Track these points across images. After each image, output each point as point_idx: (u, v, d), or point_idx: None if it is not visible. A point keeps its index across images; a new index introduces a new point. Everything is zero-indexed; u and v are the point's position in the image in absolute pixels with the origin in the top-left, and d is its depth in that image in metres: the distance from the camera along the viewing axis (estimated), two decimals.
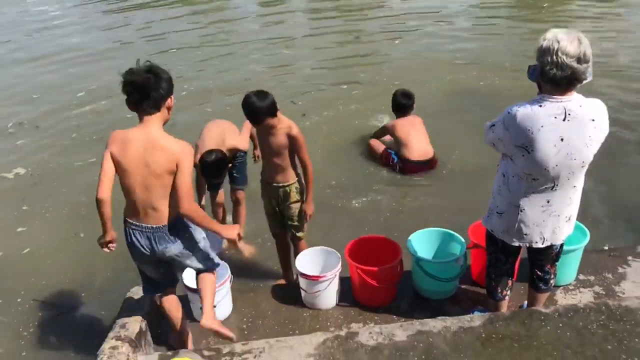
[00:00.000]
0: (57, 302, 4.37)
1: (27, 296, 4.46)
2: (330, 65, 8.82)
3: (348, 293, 3.89)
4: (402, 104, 5.84)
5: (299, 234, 4.04)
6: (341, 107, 7.27)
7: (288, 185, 3.87)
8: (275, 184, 3.88)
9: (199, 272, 3.31)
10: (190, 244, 3.14)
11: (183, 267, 3.27)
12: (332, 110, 7.20)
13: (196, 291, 3.38)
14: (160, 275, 3.28)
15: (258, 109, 3.53)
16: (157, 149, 2.84)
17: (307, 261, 3.87)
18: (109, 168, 2.91)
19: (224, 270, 3.75)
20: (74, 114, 7.60)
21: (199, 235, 3.19)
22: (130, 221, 3.04)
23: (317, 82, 8.11)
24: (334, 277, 3.70)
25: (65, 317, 4.24)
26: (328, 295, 3.76)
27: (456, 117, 6.82)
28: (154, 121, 2.88)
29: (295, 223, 3.98)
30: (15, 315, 4.28)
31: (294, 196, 3.88)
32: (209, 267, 3.30)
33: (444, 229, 3.99)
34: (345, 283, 3.89)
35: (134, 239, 3.05)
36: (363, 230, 4.74)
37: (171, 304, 3.40)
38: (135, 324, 3.38)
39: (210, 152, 4.09)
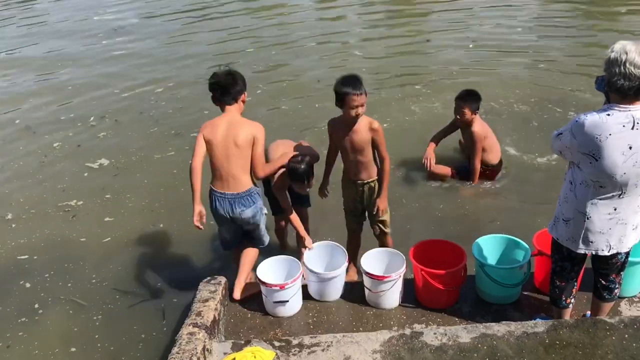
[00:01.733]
0: (133, 290, 4.63)
1: (106, 283, 4.72)
2: (399, 70, 8.86)
3: (411, 294, 3.98)
4: (480, 104, 5.47)
5: (387, 230, 4.23)
6: (409, 110, 7.35)
7: (373, 181, 4.06)
8: (360, 181, 4.06)
9: (251, 244, 4.12)
10: (259, 213, 3.94)
11: (252, 232, 4.03)
12: (399, 113, 7.27)
13: (269, 285, 3.76)
14: (233, 236, 4.10)
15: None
16: (238, 126, 3.72)
17: (372, 261, 3.99)
18: (200, 146, 3.76)
19: (296, 266, 3.95)
20: (153, 110, 7.95)
21: (263, 211, 3.98)
22: (215, 189, 3.84)
23: (384, 87, 8.19)
24: (398, 278, 3.81)
25: (140, 304, 4.48)
26: (391, 295, 3.87)
27: (525, 121, 6.81)
28: (233, 110, 3.78)
29: (383, 218, 4.16)
30: (94, 300, 4.54)
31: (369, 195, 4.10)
32: (262, 242, 4.14)
33: (509, 236, 4.04)
34: (408, 284, 3.98)
35: (217, 204, 3.86)
36: (428, 234, 4.82)
37: (241, 254, 4.13)
38: (209, 312, 3.56)
39: (295, 156, 3.92)
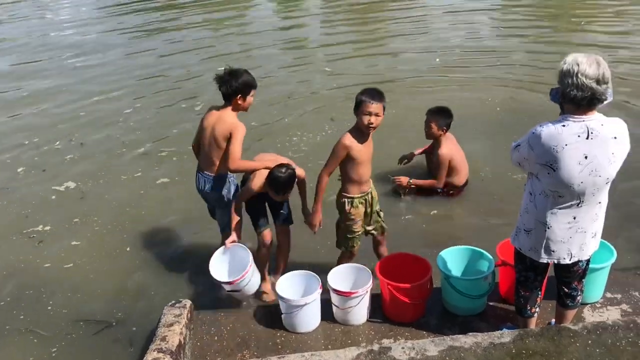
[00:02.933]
0: (97, 317, 4.41)
1: (66, 310, 4.50)
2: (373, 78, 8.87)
3: (378, 309, 3.91)
4: (450, 122, 5.42)
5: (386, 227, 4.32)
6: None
7: (373, 189, 4.14)
8: (369, 190, 4.08)
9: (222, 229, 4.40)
10: (224, 198, 4.23)
11: (219, 213, 4.33)
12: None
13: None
14: (212, 210, 4.49)
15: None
16: (221, 122, 3.98)
17: (339, 277, 3.91)
18: (198, 128, 4.22)
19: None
20: (120, 131, 7.76)
21: (230, 203, 4.20)
22: (199, 166, 4.25)
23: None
24: (365, 294, 3.73)
25: (104, 331, 4.27)
26: (359, 311, 3.79)
27: (484, 134, 6.82)
28: (227, 106, 4.03)
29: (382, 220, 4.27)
30: (55, 329, 4.31)
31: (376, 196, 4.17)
32: (223, 228, 4.37)
33: (473, 247, 4.01)
34: (375, 299, 3.91)
35: (200, 182, 4.25)
36: (393, 247, 4.77)
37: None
38: (174, 336, 3.44)
39: (281, 165, 3.93)
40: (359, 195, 4.00)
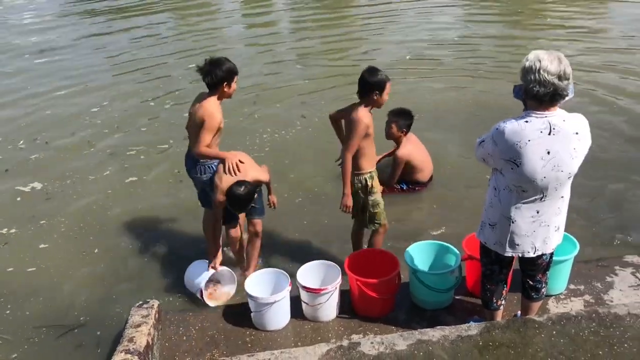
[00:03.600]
0: (61, 321, 4.26)
1: (31, 314, 4.35)
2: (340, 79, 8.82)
3: (347, 305, 3.89)
4: (411, 123, 5.43)
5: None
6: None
7: None
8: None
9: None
10: (203, 178, 4.22)
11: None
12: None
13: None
14: (202, 197, 4.41)
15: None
16: (200, 108, 4.04)
17: (308, 274, 3.87)
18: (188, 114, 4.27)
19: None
20: (87, 129, 7.58)
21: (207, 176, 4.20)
22: (188, 151, 4.31)
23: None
24: (334, 290, 3.71)
25: (69, 335, 4.13)
26: (329, 308, 3.76)
27: (448, 129, 6.84)
28: (211, 94, 4.07)
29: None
30: (19, 334, 4.17)
31: None
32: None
33: (439, 242, 4.03)
34: (344, 295, 3.89)
35: (187, 162, 4.32)
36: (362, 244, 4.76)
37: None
38: (142, 337, 3.37)
39: (240, 183, 3.90)
40: (373, 170, 4.08)
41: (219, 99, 4.08)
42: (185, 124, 4.31)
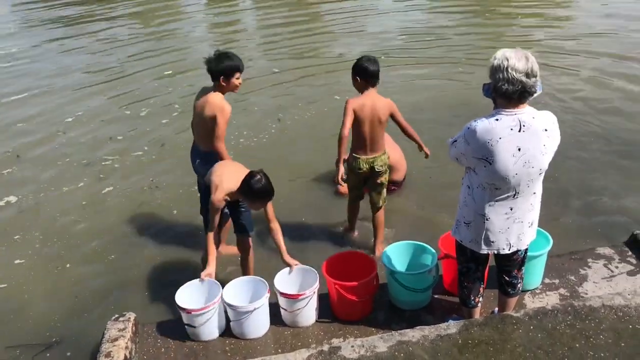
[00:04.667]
0: (35, 340, 4.07)
1: (6, 333, 4.15)
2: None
3: (326, 309, 3.83)
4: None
5: None
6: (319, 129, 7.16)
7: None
8: None
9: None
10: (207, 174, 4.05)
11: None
12: (313, 128, 7.12)
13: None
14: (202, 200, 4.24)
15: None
16: (207, 103, 4.06)
17: (285, 280, 3.80)
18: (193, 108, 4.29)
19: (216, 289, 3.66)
20: (61, 140, 7.37)
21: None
22: (194, 144, 4.39)
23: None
24: (312, 295, 3.64)
25: (44, 353, 3.95)
26: (307, 313, 3.69)
27: (420, 128, 6.78)
28: (214, 87, 4.09)
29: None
30: None
31: None
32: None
33: (416, 242, 3.99)
34: (323, 299, 3.83)
35: (193, 156, 4.37)
36: (338, 247, 4.71)
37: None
38: (120, 351, 3.27)
39: (253, 175, 3.65)
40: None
41: (222, 92, 4.09)
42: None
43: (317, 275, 3.75)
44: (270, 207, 3.83)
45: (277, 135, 7.05)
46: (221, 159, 4.11)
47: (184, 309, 3.50)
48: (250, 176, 3.63)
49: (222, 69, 4.00)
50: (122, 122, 7.78)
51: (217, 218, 3.75)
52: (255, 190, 3.60)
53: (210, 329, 3.61)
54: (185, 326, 3.60)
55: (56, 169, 6.61)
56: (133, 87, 9.03)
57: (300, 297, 3.58)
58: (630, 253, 4.14)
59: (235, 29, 12.29)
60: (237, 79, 4.06)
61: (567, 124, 6.51)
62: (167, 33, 12.11)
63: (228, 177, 3.75)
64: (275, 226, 3.89)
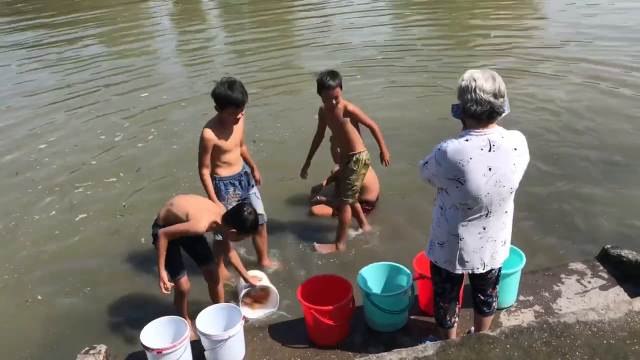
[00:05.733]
0: None
1: None
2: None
3: (302, 333, 3.73)
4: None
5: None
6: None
7: None
8: None
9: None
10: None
11: None
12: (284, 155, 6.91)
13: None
14: None
15: None
16: None
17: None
18: None
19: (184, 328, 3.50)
20: (32, 167, 7.15)
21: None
22: None
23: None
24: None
25: None
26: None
27: (392, 148, 6.76)
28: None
29: None
30: None
31: None
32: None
33: (390, 263, 3.92)
34: (299, 324, 3.74)
35: None
36: (314, 270, 4.64)
37: None
38: None
39: (242, 207, 3.65)
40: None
41: (220, 120, 3.97)
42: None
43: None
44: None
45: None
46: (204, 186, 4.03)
47: (150, 349, 3.32)
48: (240, 209, 3.63)
49: (215, 97, 3.88)
50: (99, 146, 7.57)
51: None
52: (247, 223, 3.58)
53: None
54: None
55: (27, 195, 6.42)
56: (108, 110, 8.81)
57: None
58: (601, 268, 4.14)
59: (202, 45, 12.23)
60: (230, 114, 3.86)
61: (536, 138, 6.51)
62: (134, 50, 11.98)
63: (202, 209, 3.69)
64: (234, 254, 4.02)
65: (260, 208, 4.41)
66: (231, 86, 3.84)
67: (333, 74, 4.32)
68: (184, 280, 3.87)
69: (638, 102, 7.64)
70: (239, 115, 3.97)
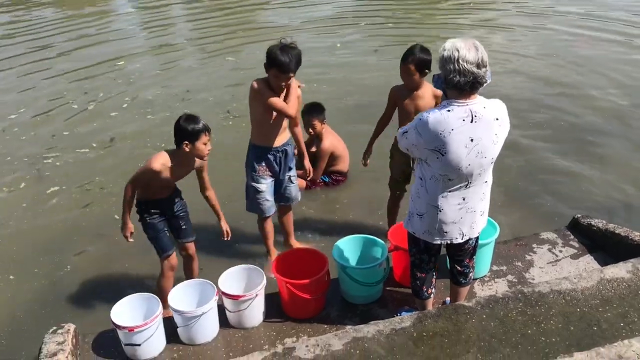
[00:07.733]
0: None
1: None
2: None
3: (277, 308, 3.65)
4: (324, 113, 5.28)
5: None
6: None
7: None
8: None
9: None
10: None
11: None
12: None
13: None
14: None
15: None
16: None
17: (230, 280, 3.56)
18: None
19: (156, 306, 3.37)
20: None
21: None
22: None
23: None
24: (255, 296, 3.42)
25: None
26: (253, 313, 3.48)
27: (363, 119, 6.62)
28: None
29: None
30: None
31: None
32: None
33: (366, 235, 3.86)
34: (273, 298, 3.65)
35: None
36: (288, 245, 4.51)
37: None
38: None
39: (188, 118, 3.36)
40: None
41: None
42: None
43: (264, 274, 3.55)
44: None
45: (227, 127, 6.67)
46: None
47: (121, 327, 3.18)
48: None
49: (266, 53, 3.54)
50: (68, 115, 7.20)
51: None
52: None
53: (153, 345, 3.32)
54: (124, 347, 3.29)
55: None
56: (82, 77, 8.43)
57: (243, 299, 3.36)
58: (572, 237, 4.17)
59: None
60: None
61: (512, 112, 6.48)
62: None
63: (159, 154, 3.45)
64: (212, 194, 3.77)
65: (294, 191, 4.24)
66: (284, 48, 3.52)
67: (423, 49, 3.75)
68: (173, 256, 3.70)
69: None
70: (283, 83, 3.60)
